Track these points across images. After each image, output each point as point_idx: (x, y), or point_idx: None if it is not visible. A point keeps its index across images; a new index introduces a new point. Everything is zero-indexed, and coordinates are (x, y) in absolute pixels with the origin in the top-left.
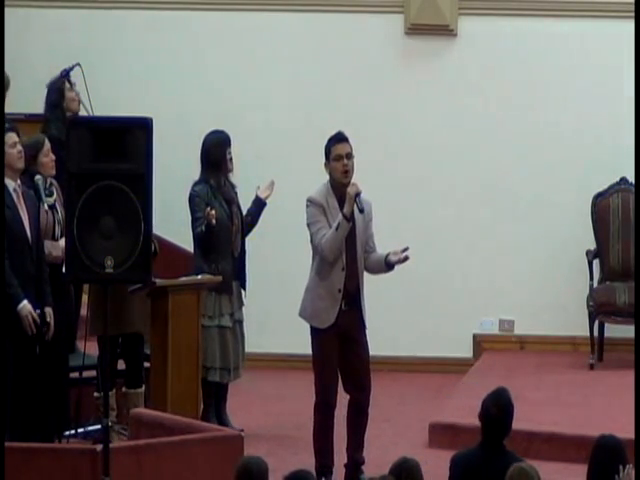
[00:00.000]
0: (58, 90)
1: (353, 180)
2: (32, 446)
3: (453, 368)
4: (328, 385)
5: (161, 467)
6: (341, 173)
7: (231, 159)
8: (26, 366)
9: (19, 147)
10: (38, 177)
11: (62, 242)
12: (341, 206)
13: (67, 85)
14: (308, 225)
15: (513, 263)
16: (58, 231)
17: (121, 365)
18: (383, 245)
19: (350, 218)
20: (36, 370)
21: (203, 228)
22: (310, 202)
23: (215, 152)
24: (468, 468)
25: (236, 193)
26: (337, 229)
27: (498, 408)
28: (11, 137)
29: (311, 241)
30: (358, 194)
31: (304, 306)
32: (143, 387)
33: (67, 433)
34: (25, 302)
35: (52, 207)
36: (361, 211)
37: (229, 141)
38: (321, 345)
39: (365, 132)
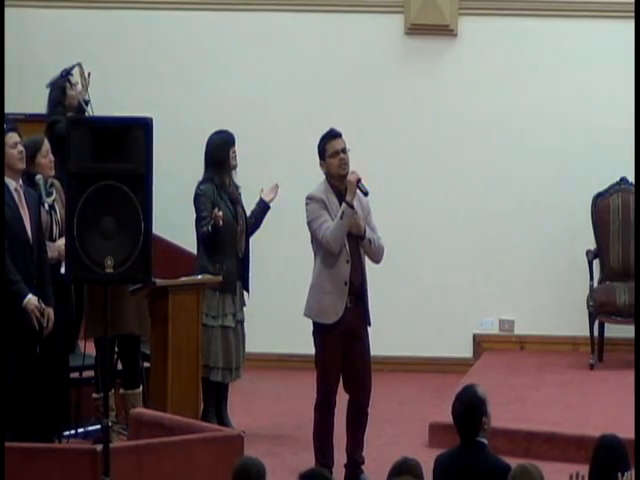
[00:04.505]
0: (60, 88)
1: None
2: (32, 446)
3: (453, 368)
4: (329, 385)
5: (161, 467)
6: (339, 167)
7: (235, 157)
8: (26, 366)
9: (20, 147)
10: (39, 177)
11: (58, 243)
12: (340, 203)
13: (68, 84)
14: (309, 222)
15: (513, 263)
16: (56, 232)
17: (118, 366)
18: None
19: (353, 205)
20: (36, 370)
21: (209, 228)
22: (310, 199)
23: (219, 152)
24: (448, 467)
25: (240, 193)
26: (342, 217)
27: (462, 404)
28: (12, 137)
29: (312, 239)
30: (359, 180)
31: (309, 304)
32: (141, 387)
33: (67, 433)
34: (30, 296)
35: (51, 207)
36: (366, 194)
37: (233, 141)
38: (325, 345)
39: (365, 132)
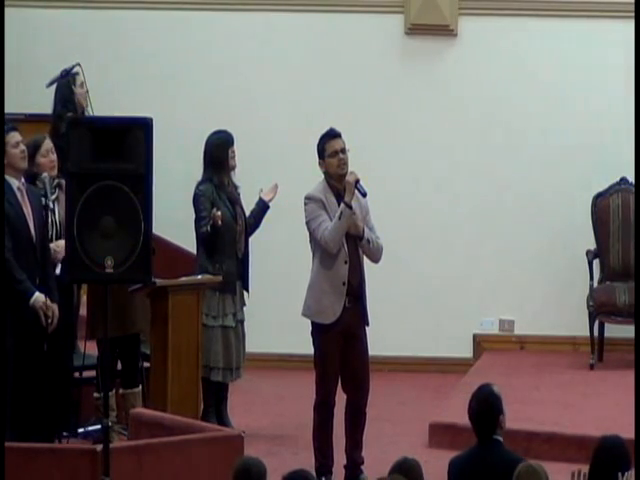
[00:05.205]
0: (67, 87)
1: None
2: (32, 446)
3: (453, 368)
4: (328, 385)
5: (161, 467)
6: (338, 167)
7: (234, 157)
8: (34, 364)
9: (22, 147)
10: (45, 175)
11: (52, 245)
12: (339, 203)
13: (74, 83)
14: (308, 222)
15: (513, 263)
16: (52, 232)
17: (119, 366)
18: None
19: (351, 206)
20: (42, 369)
21: (208, 228)
22: (309, 199)
23: (217, 152)
24: (465, 466)
25: (239, 193)
26: (340, 218)
27: (478, 403)
28: (14, 137)
29: (310, 239)
30: (357, 181)
31: (307, 304)
32: (140, 387)
33: (67, 433)
34: (37, 294)
35: (49, 207)
36: (364, 195)
37: (232, 141)
38: (323, 344)
39: (365, 132)
